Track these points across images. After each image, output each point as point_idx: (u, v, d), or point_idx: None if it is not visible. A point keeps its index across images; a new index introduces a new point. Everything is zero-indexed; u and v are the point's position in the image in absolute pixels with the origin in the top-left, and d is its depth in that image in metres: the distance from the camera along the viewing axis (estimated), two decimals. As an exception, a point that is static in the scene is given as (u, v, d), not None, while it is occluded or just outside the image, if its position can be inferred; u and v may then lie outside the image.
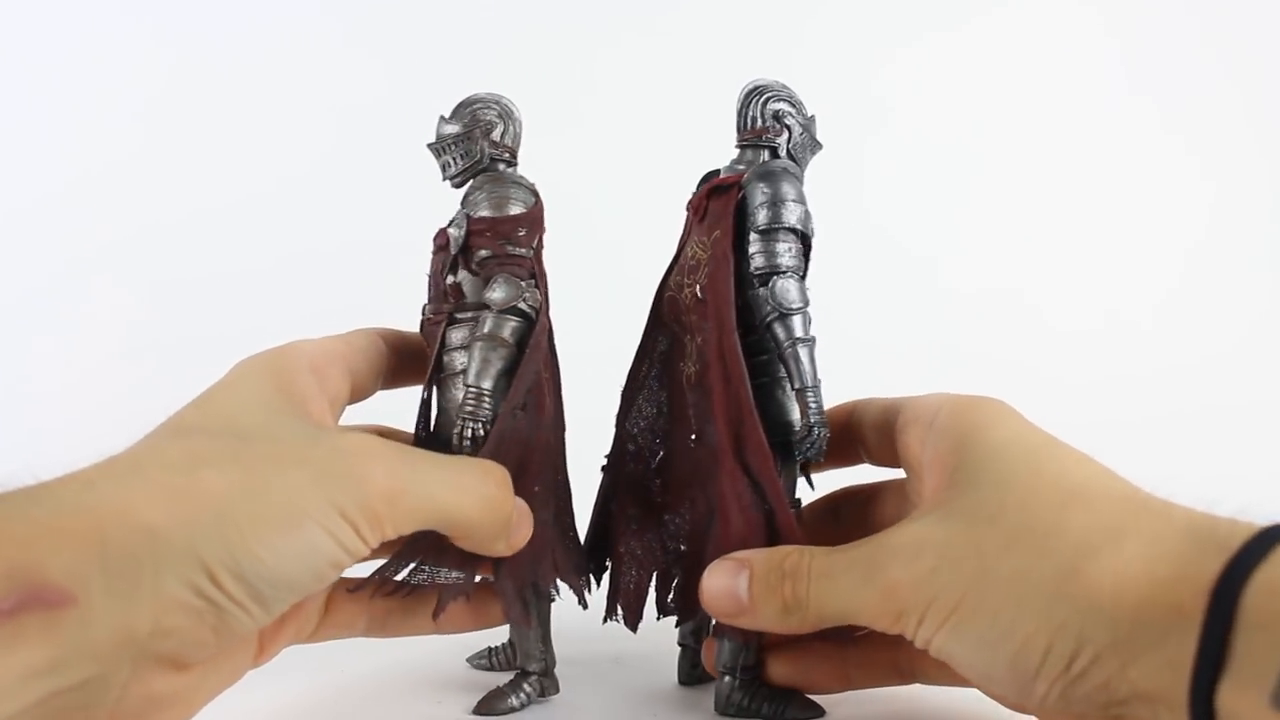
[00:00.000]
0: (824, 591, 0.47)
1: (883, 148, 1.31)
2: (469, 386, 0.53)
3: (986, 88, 1.38)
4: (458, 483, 0.47)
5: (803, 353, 0.53)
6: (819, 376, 0.53)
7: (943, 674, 0.53)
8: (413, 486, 0.45)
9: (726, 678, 0.56)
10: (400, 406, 0.59)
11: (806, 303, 0.53)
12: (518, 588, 0.54)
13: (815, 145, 0.58)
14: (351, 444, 0.45)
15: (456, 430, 0.52)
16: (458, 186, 0.58)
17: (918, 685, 0.55)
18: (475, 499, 0.48)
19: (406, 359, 0.58)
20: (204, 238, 1.21)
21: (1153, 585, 0.39)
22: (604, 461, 0.61)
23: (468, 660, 0.64)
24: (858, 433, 0.57)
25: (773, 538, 0.52)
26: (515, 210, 0.55)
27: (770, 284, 0.53)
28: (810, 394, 0.53)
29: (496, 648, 0.63)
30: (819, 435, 0.52)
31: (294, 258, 1.18)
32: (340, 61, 1.30)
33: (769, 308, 0.53)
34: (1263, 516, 0.39)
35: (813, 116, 0.58)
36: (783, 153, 0.57)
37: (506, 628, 0.59)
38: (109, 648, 0.37)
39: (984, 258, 1.33)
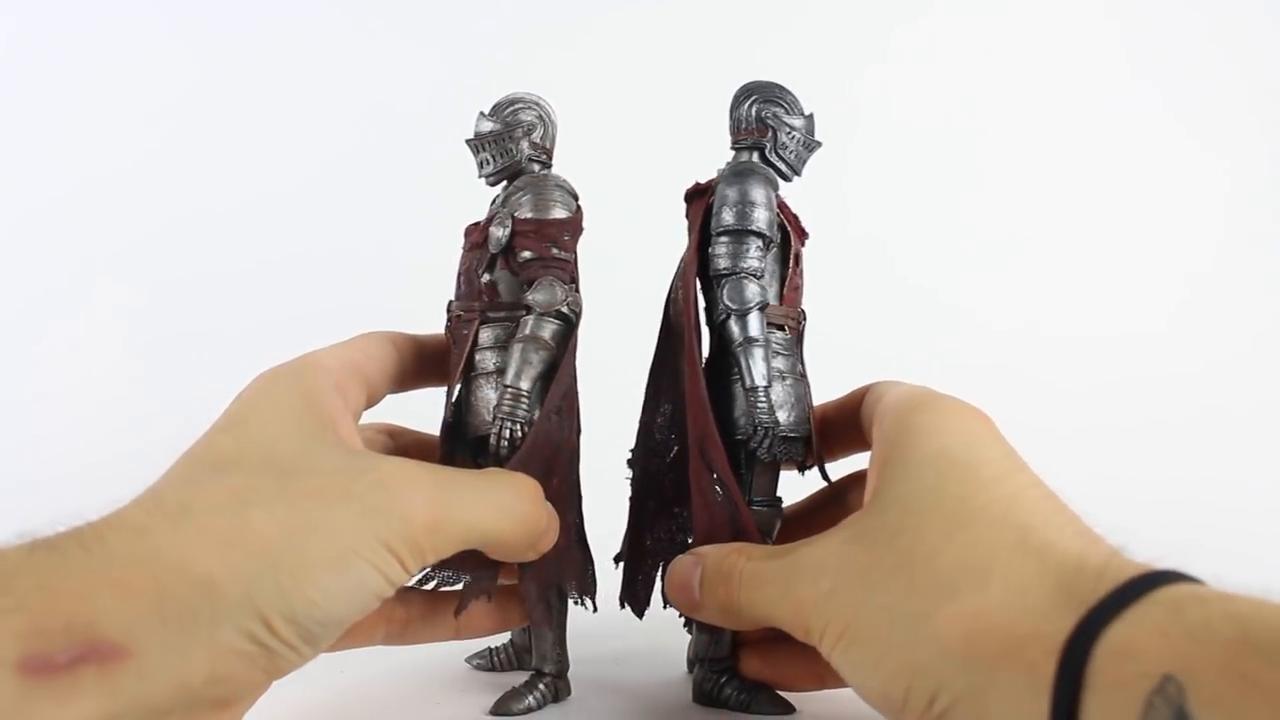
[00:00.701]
0: (751, 597, 0.48)
1: (882, 147, 1.31)
2: (508, 387, 0.53)
3: (986, 88, 1.37)
4: (495, 503, 0.48)
5: (753, 352, 0.53)
6: (769, 377, 0.53)
7: None
8: (452, 513, 0.45)
9: (698, 667, 0.57)
10: (406, 403, 0.59)
11: (759, 303, 0.54)
12: (542, 590, 0.55)
13: (811, 144, 0.59)
14: (391, 474, 0.45)
15: (494, 430, 0.52)
16: (493, 184, 0.59)
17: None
18: (513, 519, 0.48)
19: (416, 364, 0.58)
20: (210, 238, 1.21)
21: (1006, 640, 0.38)
22: (628, 456, 0.62)
23: (467, 660, 0.64)
24: (862, 422, 0.57)
25: (736, 534, 0.53)
26: (560, 214, 0.55)
27: (724, 284, 0.54)
28: (758, 395, 0.53)
29: (497, 648, 0.63)
30: (764, 436, 0.53)
31: (300, 257, 1.18)
32: (347, 62, 1.29)
33: (721, 307, 0.54)
34: (1156, 556, 0.38)
35: (810, 115, 0.59)
36: (770, 154, 0.57)
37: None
38: (164, 699, 0.37)
39: (982, 261, 1.32)
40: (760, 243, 0.55)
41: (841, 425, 0.58)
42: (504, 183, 0.58)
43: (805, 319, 0.58)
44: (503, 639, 0.63)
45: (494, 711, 0.54)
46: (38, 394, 1.11)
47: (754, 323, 0.54)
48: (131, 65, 1.26)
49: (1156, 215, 1.36)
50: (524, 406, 0.53)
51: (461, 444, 0.56)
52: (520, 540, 0.49)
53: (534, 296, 0.54)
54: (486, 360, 0.55)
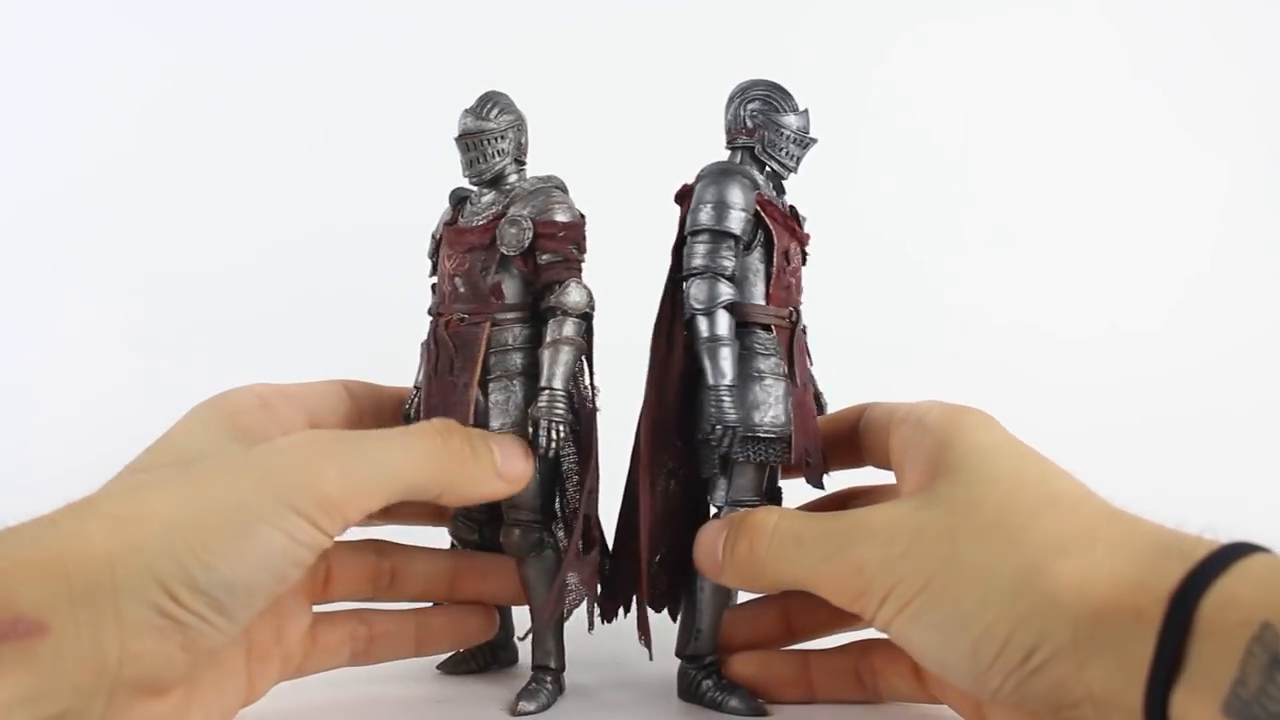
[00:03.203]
0: (785, 555, 0.49)
1: (882, 147, 1.31)
2: (546, 388, 0.54)
3: (987, 88, 1.37)
4: (403, 448, 0.48)
5: (717, 351, 0.54)
6: (734, 376, 0.54)
7: (905, 688, 0.55)
8: (362, 468, 0.46)
9: (680, 663, 0.58)
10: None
11: (725, 301, 0.54)
12: (586, 577, 0.57)
13: (805, 140, 0.58)
14: (293, 442, 0.46)
15: (543, 434, 0.53)
16: (478, 183, 0.58)
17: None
18: (421, 456, 0.49)
19: (374, 410, 0.59)
20: (196, 236, 1.21)
21: (1116, 588, 0.40)
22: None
23: (439, 669, 0.63)
24: (862, 435, 0.58)
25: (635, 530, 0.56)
26: (576, 217, 0.57)
27: (692, 282, 0.55)
28: (718, 392, 0.54)
29: (472, 649, 0.63)
30: (720, 434, 0.53)
31: (295, 254, 1.17)
32: (335, 60, 1.30)
33: (687, 305, 0.55)
34: (1229, 534, 0.40)
35: (805, 111, 0.58)
36: (761, 153, 0.58)
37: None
38: (83, 677, 0.39)
39: (983, 261, 1.32)
40: (730, 243, 0.55)
41: (833, 441, 0.59)
42: (486, 184, 0.58)
43: (798, 318, 0.58)
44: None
45: (518, 712, 0.55)
46: (29, 390, 1.12)
47: (720, 321, 0.54)
48: (119, 60, 1.26)
49: (1157, 214, 1.35)
50: (564, 406, 0.54)
51: None
52: (442, 475, 0.49)
53: (565, 299, 0.55)
54: (510, 361, 0.56)
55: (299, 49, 1.29)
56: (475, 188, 0.59)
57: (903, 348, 1.17)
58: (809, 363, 0.60)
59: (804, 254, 0.60)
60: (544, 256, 0.56)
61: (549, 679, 0.57)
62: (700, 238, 0.55)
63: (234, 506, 0.43)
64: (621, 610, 0.60)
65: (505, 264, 0.56)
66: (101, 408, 1.07)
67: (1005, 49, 1.37)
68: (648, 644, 0.59)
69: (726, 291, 0.55)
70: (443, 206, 0.60)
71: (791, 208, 0.60)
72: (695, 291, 0.55)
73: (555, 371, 0.54)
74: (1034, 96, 1.36)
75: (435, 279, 0.60)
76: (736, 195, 0.55)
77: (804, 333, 0.60)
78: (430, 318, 0.59)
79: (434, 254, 0.60)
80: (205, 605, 0.41)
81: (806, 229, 0.60)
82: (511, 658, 0.65)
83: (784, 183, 0.60)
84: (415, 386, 0.59)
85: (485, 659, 0.63)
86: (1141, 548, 0.41)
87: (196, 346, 1.09)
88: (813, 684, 0.56)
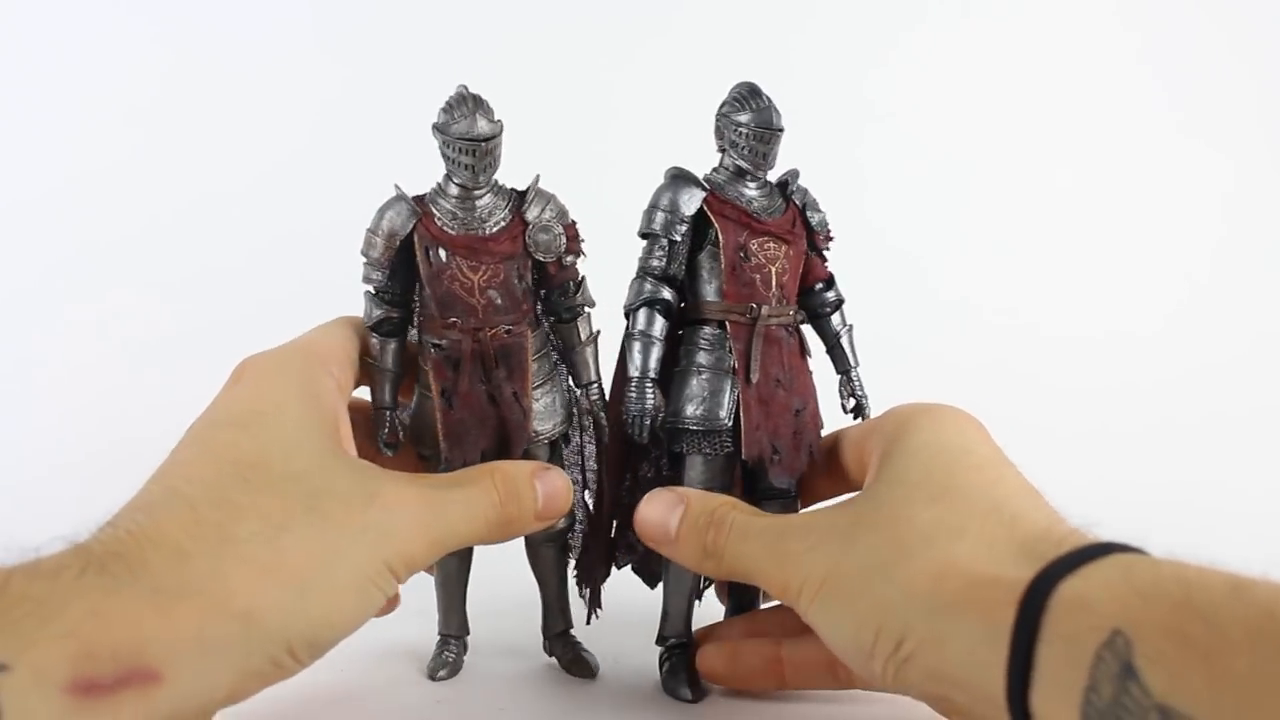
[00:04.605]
0: (739, 549, 0.50)
1: (883, 147, 1.29)
2: (596, 383, 0.59)
3: (989, 89, 1.36)
4: (467, 506, 0.51)
5: (630, 345, 0.59)
6: (638, 369, 0.58)
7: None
8: (439, 529, 0.49)
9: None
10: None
11: (644, 300, 0.58)
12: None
13: (764, 135, 0.57)
14: (393, 498, 0.48)
15: (633, 429, 0.57)
16: (478, 187, 0.56)
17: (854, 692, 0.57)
18: (481, 517, 0.51)
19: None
20: (195, 235, 1.22)
21: (970, 584, 0.40)
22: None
23: (433, 678, 0.61)
24: (840, 458, 0.58)
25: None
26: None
27: (631, 283, 0.60)
28: (630, 385, 0.58)
29: (449, 653, 0.62)
30: (632, 422, 0.57)
31: (293, 252, 1.18)
32: (335, 59, 1.30)
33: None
34: (1117, 533, 0.39)
35: (765, 107, 0.57)
36: (727, 155, 0.59)
37: (432, 639, 0.63)
38: (190, 716, 0.41)
39: (985, 262, 1.31)
40: (662, 243, 0.58)
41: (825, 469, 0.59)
42: (477, 188, 0.56)
43: (757, 313, 0.57)
44: (432, 639, 0.63)
45: (583, 675, 0.61)
46: (29, 389, 1.14)
47: (640, 318, 0.58)
48: (117, 60, 1.28)
49: (1159, 215, 1.34)
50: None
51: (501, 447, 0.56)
52: (497, 538, 0.52)
53: (586, 296, 0.59)
54: (546, 365, 0.58)
55: (298, 48, 1.30)
56: (458, 190, 0.56)
57: (903, 348, 1.15)
58: (851, 360, 0.62)
59: (818, 251, 0.62)
60: (567, 258, 0.58)
61: (574, 637, 0.62)
62: (642, 241, 0.59)
63: (356, 571, 0.45)
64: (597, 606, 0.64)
65: (539, 270, 0.58)
66: (100, 406, 1.07)
67: (1008, 50, 1.34)
68: (591, 610, 0.63)
69: (648, 289, 0.58)
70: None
71: (802, 208, 0.60)
72: (628, 291, 0.59)
73: (598, 365, 0.59)
74: (1036, 97, 1.33)
75: (438, 287, 0.56)
76: (662, 198, 0.58)
77: (790, 331, 0.59)
78: (429, 328, 0.57)
79: (390, 260, 0.56)
80: (310, 656, 0.44)
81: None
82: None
83: (799, 182, 0.61)
84: (382, 406, 0.57)
85: (462, 655, 0.63)
86: (1008, 544, 0.41)
87: (195, 345, 1.09)
88: (783, 674, 0.57)
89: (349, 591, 0.45)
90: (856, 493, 0.51)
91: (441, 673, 0.61)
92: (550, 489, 0.53)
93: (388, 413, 0.58)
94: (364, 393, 0.59)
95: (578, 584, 0.64)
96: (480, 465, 0.53)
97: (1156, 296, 1.30)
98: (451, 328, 0.56)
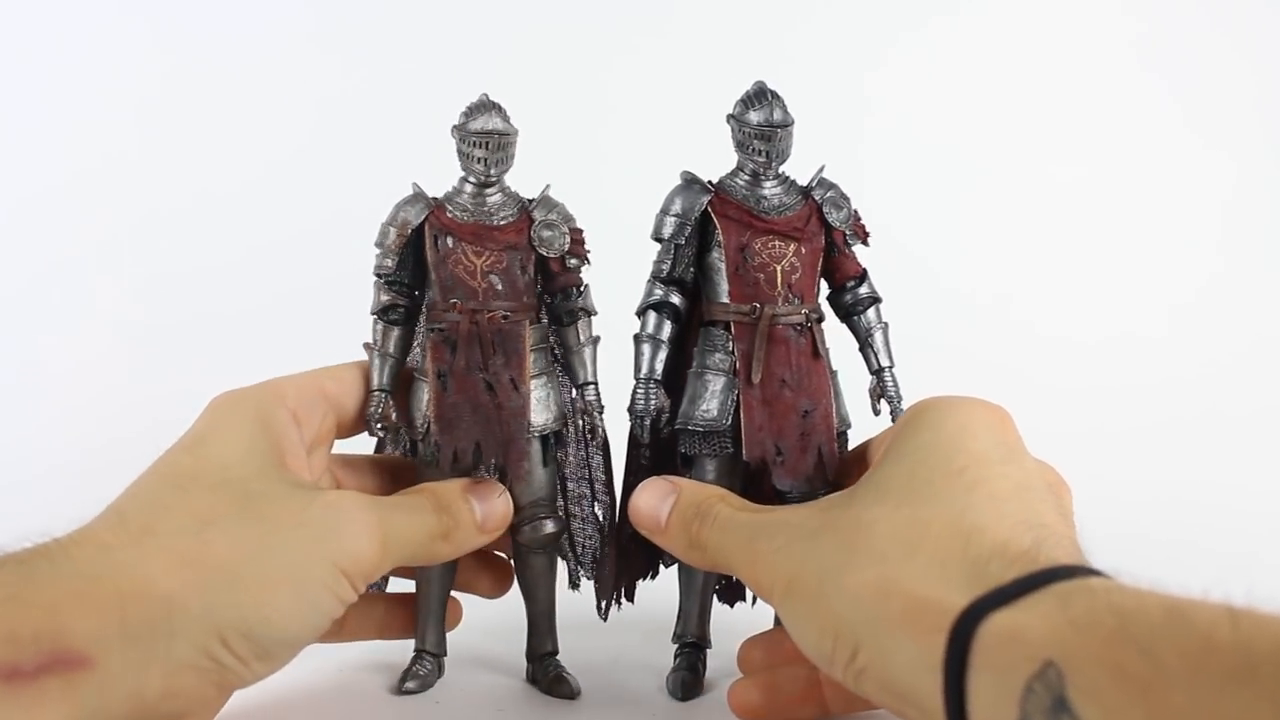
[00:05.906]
0: (719, 541, 0.50)
1: (884, 147, 1.29)
2: (592, 383, 0.59)
3: (993, 88, 1.36)
4: (425, 525, 0.52)
5: (637, 347, 0.60)
6: (642, 370, 0.59)
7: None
8: (392, 537, 0.49)
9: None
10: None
11: (649, 303, 0.59)
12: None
13: (763, 134, 0.58)
14: (337, 502, 0.48)
15: (600, 424, 0.59)
16: (485, 184, 0.58)
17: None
18: (425, 532, 0.52)
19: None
20: (194, 233, 1.22)
21: (910, 605, 0.39)
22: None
23: (403, 690, 0.59)
24: (869, 460, 0.57)
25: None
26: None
27: None
28: (636, 385, 0.59)
29: (421, 667, 0.60)
30: (634, 422, 0.59)
31: (292, 251, 1.18)
32: (334, 59, 1.30)
33: None
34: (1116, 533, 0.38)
35: (768, 103, 0.58)
36: (740, 158, 0.59)
37: (406, 649, 0.61)
38: (121, 711, 0.40)
39: (988, 260, 1.31)
40: (669, 247, 0.59)
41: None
42: (489, 185, 0.58)
43: (760, 312, 0.57)
44: (407, 653, 0.61)
45: (564, 695, 0.59)
46: (28, 389, 1.13)
47: (649, 321, 0.60)
48: (114, 55, 1.28)
49: (1161, 215, 1.34)
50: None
51: (495, 443, 0.56)
52: (444, 549, 0.53)
53: (588, 301, 0.60)
54: (544, 359, 0.59)
55: (297, 47, 1.30)
56: (472, 186, 0.58)
57: (902, 350, 1.17)
58: (884, 359, 0.61)
59: (839, 248, 0.61)
60: (571, 261, 0.59)
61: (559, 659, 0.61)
62: (656, 245, 0.60)
63: (293, 565, 0.45)
64: (617, 604, 0.63)
65: (542, 265, 0.59)
66: (99, 404, 1.07)
67: (1012, 50, 1.35)
68: (606, 608, 0.62)
69: (656, 293, 0.59)
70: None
71: (820, 205, 0.60)
72: (642, 294, 0.60)
73: (596, 368, 0.59)
74: (1040, 98, 1.34)
75: (443, 272, 0.57)
76: (671, 202, 0.59)
77: (800, 331, 0.58)
78: (431, 315, 0.57)
79: (400, 248, 0.57)
80: (252, 653, 0.43)
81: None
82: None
83: (823, 178, 0.61)
84: (379, 390, 0.57)
85: (435, 673, 0.61)
86: (960, 563, 0.39)
87: (194, 343, 1.09)
88: (825, 699, 0.55)
89: (286, 586, 0.44)
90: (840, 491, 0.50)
91: (410, 684, 0.59)
92: (484, 501, 0.54)
93: (383, 394, 0.57)
94: (358, 444, 0.59)
95: (598, 597, 0.62)
96: (415, 486, 0.54)
97: (1156, 297, 1.30)
98: (451, 309, 0.57)
